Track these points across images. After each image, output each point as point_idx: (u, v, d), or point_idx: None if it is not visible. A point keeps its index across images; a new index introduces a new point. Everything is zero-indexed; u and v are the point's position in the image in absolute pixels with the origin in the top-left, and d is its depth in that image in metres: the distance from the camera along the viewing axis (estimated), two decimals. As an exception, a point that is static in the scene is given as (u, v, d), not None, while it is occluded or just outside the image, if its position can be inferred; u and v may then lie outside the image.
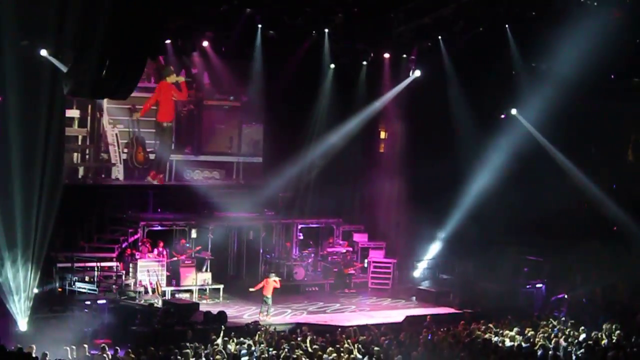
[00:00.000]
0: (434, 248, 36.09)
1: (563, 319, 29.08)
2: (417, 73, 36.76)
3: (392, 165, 38.76)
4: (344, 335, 25.82)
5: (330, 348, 23.89)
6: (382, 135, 40.78)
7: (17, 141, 29.62)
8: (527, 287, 33.59)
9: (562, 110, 36.26)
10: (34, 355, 22.01)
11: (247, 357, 22.66)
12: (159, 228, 33.40)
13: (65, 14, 27.00)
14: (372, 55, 36.30)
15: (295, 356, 22.89)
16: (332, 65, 36.35)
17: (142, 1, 26.30)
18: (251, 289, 30.42)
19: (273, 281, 30.27)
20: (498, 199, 36.16)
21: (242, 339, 24.62)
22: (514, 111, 37.01)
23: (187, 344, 24.17)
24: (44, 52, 28.19)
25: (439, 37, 35.67)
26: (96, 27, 25.72)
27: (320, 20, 34.20)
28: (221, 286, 32.83)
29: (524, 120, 36.55)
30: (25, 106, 30.20)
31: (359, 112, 36.84)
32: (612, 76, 36.80)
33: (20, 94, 29.80)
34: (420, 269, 36.25)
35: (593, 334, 26.95)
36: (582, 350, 24.97)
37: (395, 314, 30.70)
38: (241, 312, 30.53)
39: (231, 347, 23.73)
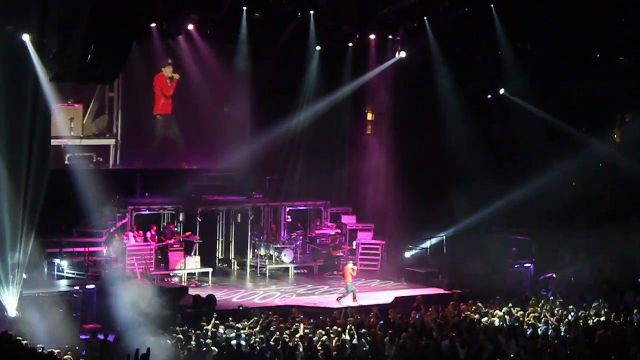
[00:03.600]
0: (423, 229, 36.05)
1: (552, 298, 29.24)
2: (403, 54, 36.65)
3: (380, 146, 38.81)
4: (333, 318, 25.94)
5: (320, 331, 23.96)
6: (369, 117, 40.74)
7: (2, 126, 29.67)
8: (516, 266, 33.69)
9: (548, 90, 36.42)
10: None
11: (236, 341, 22.67)
12: (148, 212, 33.34)
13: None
14: (357, 37, 36.23)
15: (286, 340, 22.93)
16: (318, 48, 36.25)
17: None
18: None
19: (351, 269, 30.48)
20: (486, 180, 36.26)
21: (231, 323, 24.68)
22: (502, 91, 37.23)
23: (177, 328, 24.26)
24: (26, 37, 27.94)
25: (425, 18, 35.56)
26: (81, 11, 25.72)
27: (306, 2, 34.11)
28: (210, 270, 32.84)
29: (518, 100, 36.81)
30: (10, 91, 30.12)
31: (345, 94, 36.81)
32: (598, 55, 36.91)
33: (5, 78, 29.71)
34: (409, 250, 36.28)
35: (581, 313, 27.08)
36: (571, 330, 25.10)
37: (385, 296, 30.73)
38: (230, 296, 30.53)
39: (221, 331, 23.73)
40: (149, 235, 32.19)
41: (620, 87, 36.14)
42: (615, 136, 39.39)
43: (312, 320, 25.56)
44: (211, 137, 37.08)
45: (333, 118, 36.97)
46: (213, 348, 22.09)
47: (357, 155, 37.92)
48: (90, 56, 27.19)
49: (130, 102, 35.62)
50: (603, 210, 36.83)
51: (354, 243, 36.03)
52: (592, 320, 26.31)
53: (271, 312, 26.48)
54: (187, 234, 33.13)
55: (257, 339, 23.14)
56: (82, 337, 24.27)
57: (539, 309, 27.48)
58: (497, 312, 27.30)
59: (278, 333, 23.66)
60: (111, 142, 35.73)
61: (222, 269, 34.79)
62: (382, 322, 25.42)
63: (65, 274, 30.10)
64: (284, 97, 36.44)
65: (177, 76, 35.87)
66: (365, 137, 39.57)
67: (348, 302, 29.60)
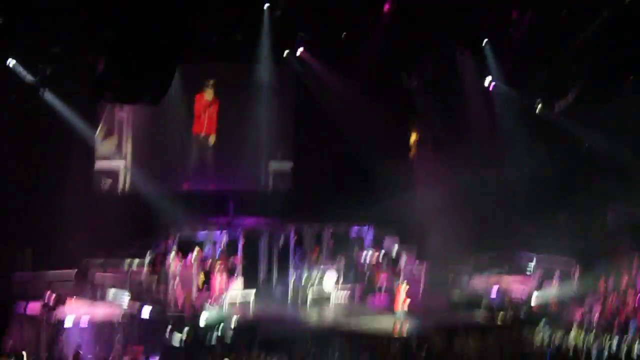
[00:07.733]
0: (466, 254, 35.88)
1: (595, 323, 29.07)
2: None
3: (424, 170, 38.72)
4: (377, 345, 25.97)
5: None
6: (413, 138, 40.60)
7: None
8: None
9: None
10: None
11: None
12: (191, 235, 33.35)
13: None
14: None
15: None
16: None
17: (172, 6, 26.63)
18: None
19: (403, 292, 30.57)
20: (532, 203, 36.19)
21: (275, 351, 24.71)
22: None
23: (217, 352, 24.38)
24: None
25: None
26: (127, 31, 26.07)
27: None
28: (253, 290, 32.64)
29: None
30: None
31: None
32: None
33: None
34: (452, 277, 36.07)
35: (625, 336, 26.88)
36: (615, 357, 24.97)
37: (427, 322, 30.42)
38: (274, 322, 30.18)
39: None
40: (190, 257, 32.04)
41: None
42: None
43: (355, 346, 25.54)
44: (246, 156, 37.22)
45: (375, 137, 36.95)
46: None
47: (401, 178, 37.65)
48: (136, 76, 27.58)
49: (144, 123, 34.61)
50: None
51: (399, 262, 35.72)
52: (635, 346, 26.12)
53: (311, 340, 26.35)
54: (237, 258, 33.09)
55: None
56: (125, 357, 24.43)
57: (581, 334, 27.35)
58: (541, 336, 27.25)
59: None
60: (120, 163, 35.01)
61: (264, 292, 34.63)
62: (424, 355, 25.34)
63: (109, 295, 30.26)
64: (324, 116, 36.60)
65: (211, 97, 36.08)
66: (409, 160, 39.54)
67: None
